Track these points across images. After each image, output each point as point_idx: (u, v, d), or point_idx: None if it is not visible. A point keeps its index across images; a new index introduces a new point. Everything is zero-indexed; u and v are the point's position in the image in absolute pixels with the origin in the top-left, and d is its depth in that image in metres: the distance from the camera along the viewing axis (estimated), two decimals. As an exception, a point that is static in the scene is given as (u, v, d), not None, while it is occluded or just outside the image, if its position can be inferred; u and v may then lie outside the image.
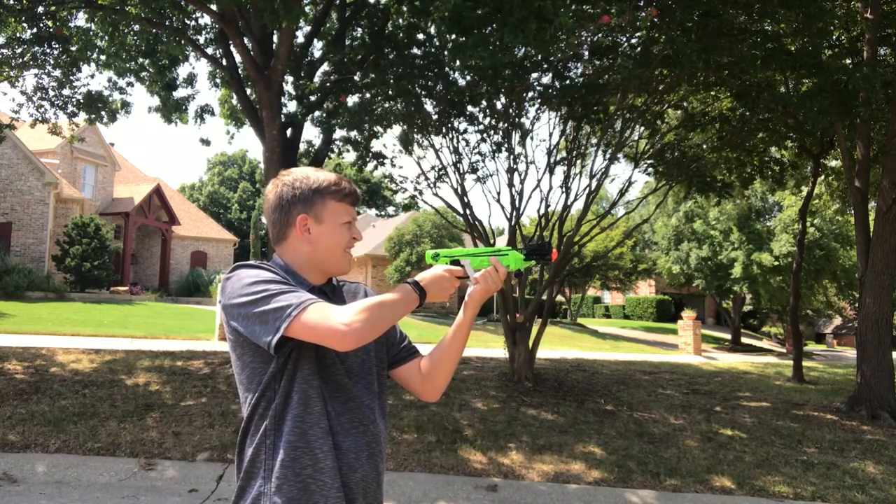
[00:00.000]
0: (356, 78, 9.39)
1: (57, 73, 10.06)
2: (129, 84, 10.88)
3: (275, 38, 8.98)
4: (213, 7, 8.28)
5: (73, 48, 9.67)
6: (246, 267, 1.47)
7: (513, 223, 9.58)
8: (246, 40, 8.80)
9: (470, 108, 9.47)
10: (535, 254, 1.59)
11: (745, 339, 26.76)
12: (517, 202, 9.51)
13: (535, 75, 9.11)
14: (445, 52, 8.17)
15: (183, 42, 9.76)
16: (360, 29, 10.43)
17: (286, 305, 1.34)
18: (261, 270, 1.45)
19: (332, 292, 1.61)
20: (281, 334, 1.33)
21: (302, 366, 1.44)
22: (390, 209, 50.29)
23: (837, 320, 40.77)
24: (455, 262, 1.58)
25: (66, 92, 10.33)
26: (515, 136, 9.54)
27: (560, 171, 11.60)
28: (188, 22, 10.06)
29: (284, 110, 9.49)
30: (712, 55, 7.59)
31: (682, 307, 29.65)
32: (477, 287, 1.56)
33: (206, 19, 10.16)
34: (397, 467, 5.20)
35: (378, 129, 9.55)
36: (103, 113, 10.65)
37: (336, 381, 1.47)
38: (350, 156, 11.32)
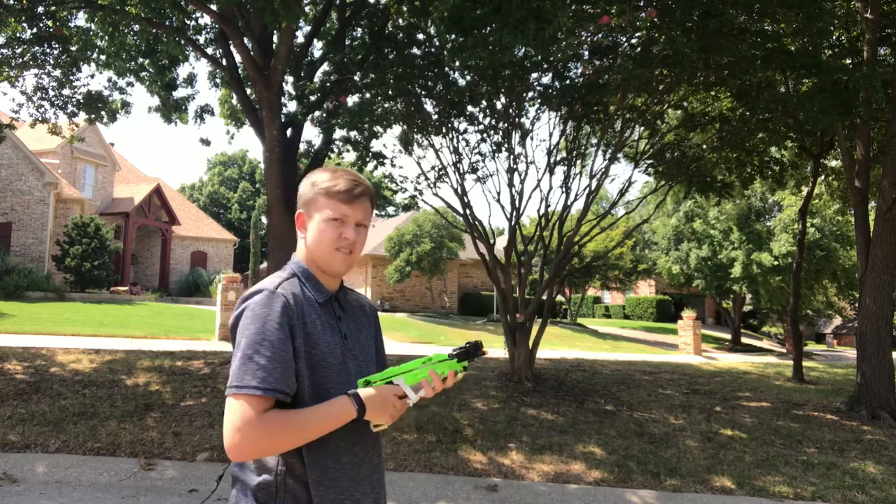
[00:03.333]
0: (356, 78, 9.39)
1: (57, 73, 10.06)
2: (129, 84, 10.87)
3: (275, 38, 8.98)
4: (213, 7, 8.28)
5: (73, 48, 9.67)
6: (260, 303, 1.43)
7: (513, 223, 9.59)
8: (246, 40, 8.80)
9: (470, 108, 9.48)
10: (465, 355, 1.55)
11: (745, 339, 26.75)
12: (517, 202, 9.51)
13: (535, 75, 9.12)
14: (445, 52, 8.17)
15: (183, 42, 9.76)
16: (360, 29, 10.43)
17: (239, 380, 1.35)
18: (269, 313, 1.41)
19: (345, 298, 1.62)
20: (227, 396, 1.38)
21: (306, 398, 1.43)
22: (390, 209, 50.30)
23: (837, 320, 40.78)
24: (388, 384, 1.50)
25: (66, 92, 10.33)
26: (515, 136, 9.55)
27: (560, 171, 11.61)
28: (188, 22, 10.05)
29: (284, 110, 9.49)
30: (712, 55, 7.59)
31: (682, 307, 29.63)
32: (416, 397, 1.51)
33: (206, 19, 10.17)
34: (397, 467, 5.20)
35: (378, 129, 9.55)
36: (103, 113, 10.65)
37: None
38: (350, 156, 11.33)
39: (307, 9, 9.88)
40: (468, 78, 9.02)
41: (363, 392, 1.43)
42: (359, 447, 1.49)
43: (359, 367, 1.52)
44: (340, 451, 1.46)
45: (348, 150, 10.74)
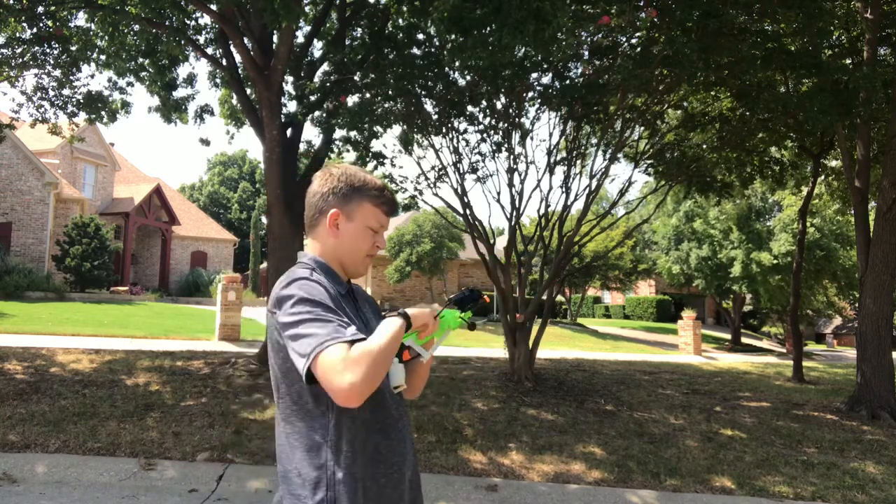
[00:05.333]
0: (356, 78, 9.38)
1: (57, 73, 10.05)
2: (129, 84, 10.86)
3: (275, 38, 8.98)
4: (213, 7, 8.28)
5: (73, 48, 9.66)
6: (305, 285, 1.43)
7: (513, 223, 9.59)
8: (246, 40, 8.79)
9: (470, 108, 9.47)
10: (465, 301, 1.57)
11: (745, 339, 26.75)
12: (517, 202, 9.51)
13: (535, 75, 9.12)
14: (445, 52, 8.17)
15: (183, 42, 9.76)
16: (360, 29, 10.42)
17: (328, 335, 1.33)
18: (316, 290, 1.42)
19: (353, 291, 1.66)
20: (307, 367, 1.33)
21: None
22: (390, 209, 50.23)
23: (837, 320, 40.78)
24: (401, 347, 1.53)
25: (66, 92, 10.32)
26: (515, 136, 9.54)
27: (560, 171, 11.61)
28: (188, 22, 10.05)
29: (284, 110, 9.49)
30: (712, 55, 7.59)
31: (682, 307, 29.63)
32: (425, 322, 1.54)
33: (206, 19, 10.16)
34: (397, 467, 5.19)
35: (378, 129, 9.55)
36: (103, 113, 10.64)
37: (381, 394, 1.51)
38: (350, 156, 11.32)
39: (307, 9, 9.88)
40: (468, 78, 9.02)
41: (411, 312, 1.49)
42: (401, 423, 1.54)
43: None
44: (389, 429, 1.50)
45: (348, 150, 10.74)
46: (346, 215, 1.56)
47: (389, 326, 1.42)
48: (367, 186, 1.57)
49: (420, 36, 9.41)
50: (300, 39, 10.20)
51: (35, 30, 9.33)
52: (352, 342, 1.32)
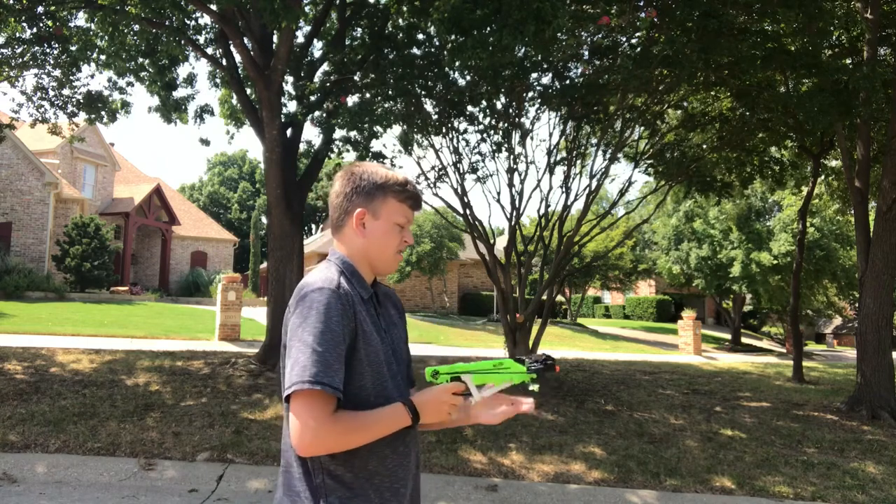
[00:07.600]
0: (356, 78, 9.39)
1: (57, 73, 10.06)
2: (129, 84, 10.87)
3: (275, 38, 8.98)
4: (213, 7, 8.28)
5: (73, 48, 9.67)
6: (322, 301, 1.39)
7: (513, 223, 9.59)
8: (246, 40, 8.80)
9: (470, 108, 9.47)
10: (539, 370, 1.53)
11: (745, 339, 26.72)
12: (517, 202, 9.51)
13: (535, 75, 9.12)
14: (445, 53, 8.17)
15: (183, 42, 9.76)
16: (360, 29, 10.42)
17: (312, 375, 1.31)
18: (331, 312, 1.38)
19: (379, 291, 1.62)
20: (286, 394, 1.35)
21: (371, 398, 1.43)
22: (390, 209, 50.17)
23: (837, 320, 40.73)
24: (455, 378, 1.49)
25: (66, 92, 10.33)
26: (515, 136, 9.55)
27: (560, 171, 11.61)
28: (188, 22, 10.05)
29: (284, 110, 9.49)
30: (712, 55, 7.60)
31: (682, 307, 29.61)
32: (481, 415, 1.54)
33: (206, 19, 10.16)
34: (397, 467, 5.19)
35: (378, 129, 9.55)
36: (103, 113, 10.64)
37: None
38: (350, 156, 11.35)
39: (307, 9, 9.88)
40: (468, 78, 9.02)
41: (417, 399, 1.44)
42: (409, 437, 1.52)
43: (398, 362, 1.53)
44: (397, 442, 1.48)
45: (348, 150, 10.74)
46: (371, 213, 1.53)
47: (391, 419, 1.41)
48: (390, 182, 1.54)
49: (420, 36, 9.41)
50: (300, 39, 10.20)
51: (35, 30, 9.34)
52: (338, 400, 1.34)
